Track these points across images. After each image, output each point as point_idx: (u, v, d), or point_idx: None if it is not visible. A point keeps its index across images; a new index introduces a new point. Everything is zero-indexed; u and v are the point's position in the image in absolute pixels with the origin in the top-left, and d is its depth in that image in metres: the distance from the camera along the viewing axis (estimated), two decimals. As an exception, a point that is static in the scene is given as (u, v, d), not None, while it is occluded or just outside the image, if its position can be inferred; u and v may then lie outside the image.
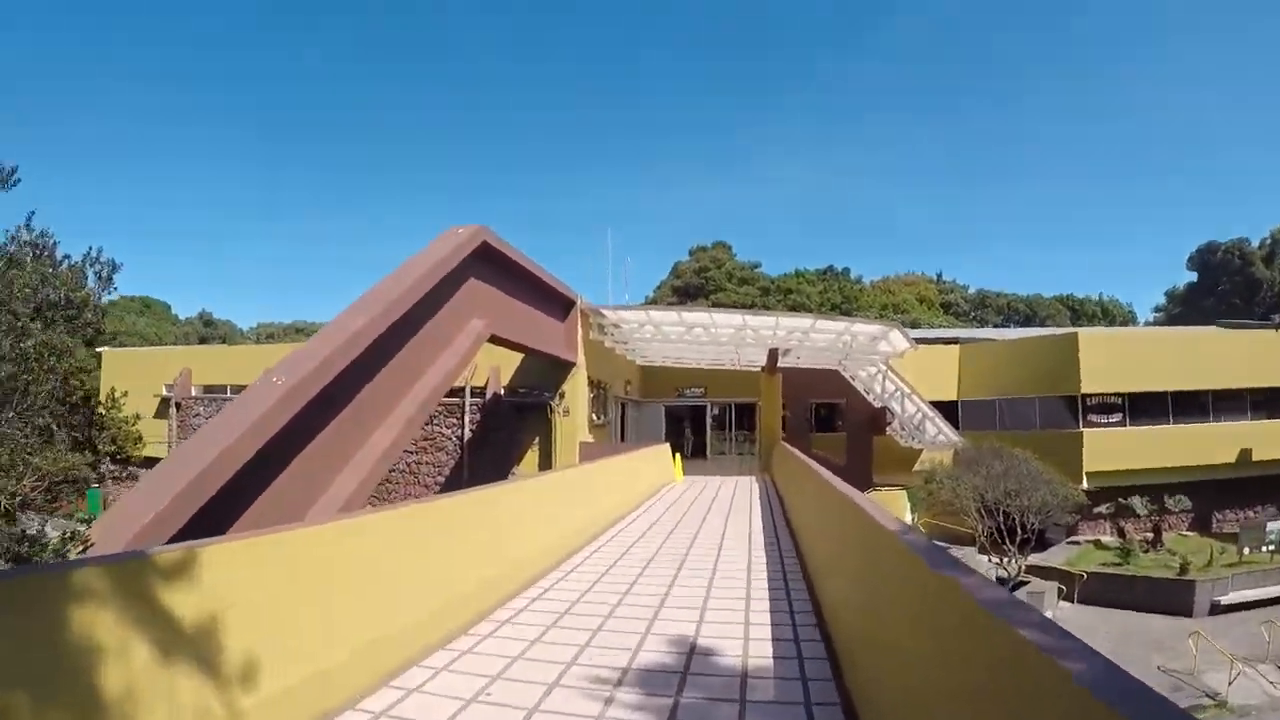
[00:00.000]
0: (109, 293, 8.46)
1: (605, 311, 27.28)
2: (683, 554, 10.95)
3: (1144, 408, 36.72)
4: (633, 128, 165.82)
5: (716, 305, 54.86)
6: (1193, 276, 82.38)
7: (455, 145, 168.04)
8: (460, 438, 30.31)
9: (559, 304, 25.86)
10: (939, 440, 34.77)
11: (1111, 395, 36.49)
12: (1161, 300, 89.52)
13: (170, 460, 10.89)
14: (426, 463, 31.01)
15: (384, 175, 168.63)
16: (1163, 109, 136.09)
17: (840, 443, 36.53)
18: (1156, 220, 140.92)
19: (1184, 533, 36.06)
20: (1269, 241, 74.38)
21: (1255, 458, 37.03)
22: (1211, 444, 36.48)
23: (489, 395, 29.86)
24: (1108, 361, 36.35)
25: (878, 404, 35.52)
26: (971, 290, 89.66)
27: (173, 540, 8.11)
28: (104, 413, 33.82)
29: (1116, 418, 36.55)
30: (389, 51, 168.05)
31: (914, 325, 59.26)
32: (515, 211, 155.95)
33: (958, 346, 41.58)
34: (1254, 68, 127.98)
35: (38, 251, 7.81)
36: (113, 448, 34.23)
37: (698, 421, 42.12)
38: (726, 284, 76.59)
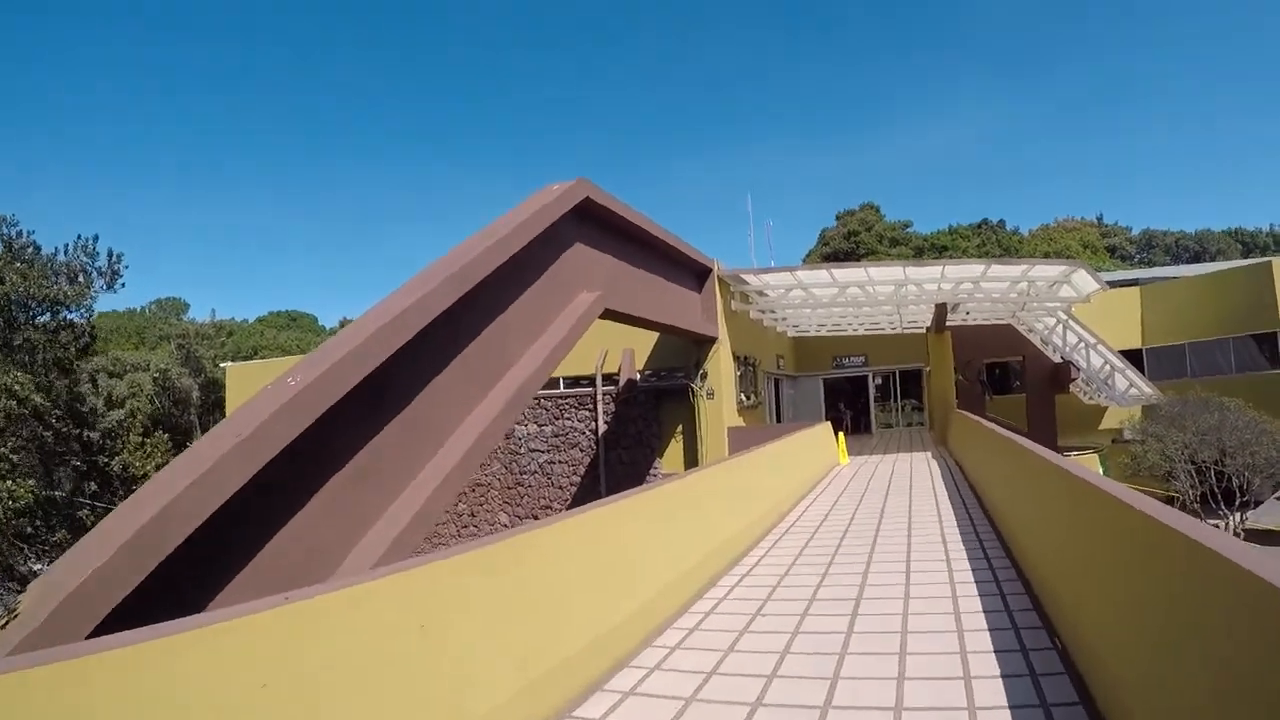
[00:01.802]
0: (115, 289, 5.81)
1: (746, 276, 24.16)
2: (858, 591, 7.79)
3: None
4: (761, 98, 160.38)
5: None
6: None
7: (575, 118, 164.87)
8: (594, 431, 27.64)
9: (691, 271, 22.92)
10: (1130, 395, 30.53)
11: (1317, 331, 31.71)
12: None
13: (139, 494, 7.70)
14: (560, 462, 28.47)
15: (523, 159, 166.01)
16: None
17: (1017, 405, 32.46)
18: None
19: None
20: None
21: None
22: None
23: (622, 382, 27.08)
24: (1310, 292, 31.65)
25: (1058, 358, 31.50)
26: (1135, 231, 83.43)
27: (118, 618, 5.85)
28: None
29: (1327, 355, 31.77)
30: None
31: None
32: (647, 193, 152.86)
33: (1138, 289, 36.99)
34: None
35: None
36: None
37: (859, 394, 38.68)
38: (878, 246, 72.46)
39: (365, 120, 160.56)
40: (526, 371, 13.38)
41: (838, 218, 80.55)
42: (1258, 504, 26.36)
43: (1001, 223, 78.39)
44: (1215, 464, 24.57)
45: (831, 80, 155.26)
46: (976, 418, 18.87)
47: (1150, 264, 71.47)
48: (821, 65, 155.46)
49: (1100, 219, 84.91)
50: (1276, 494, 27.21)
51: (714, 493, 9.71)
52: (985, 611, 6.25)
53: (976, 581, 7.33)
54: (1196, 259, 70.49)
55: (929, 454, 21.98)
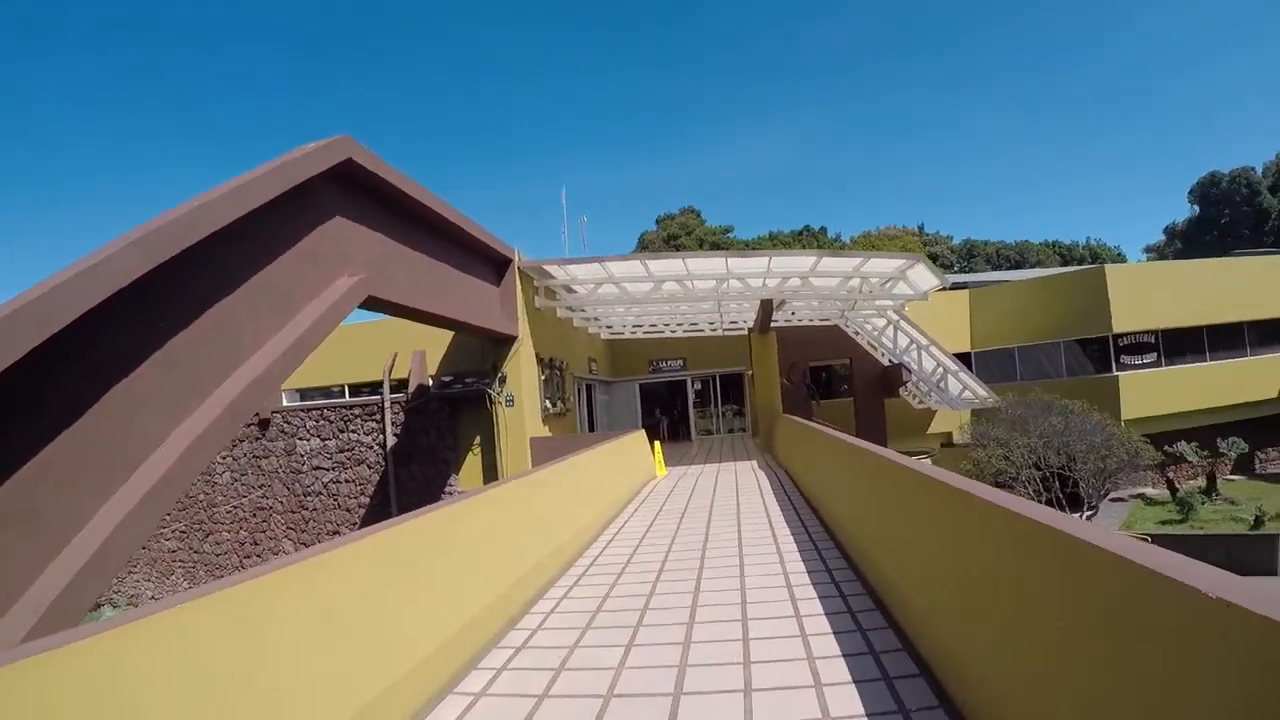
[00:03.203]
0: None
1: (551, 268, 21.42)
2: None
3: (1178, 346, 32.80)
4: (584, 105, 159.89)
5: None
6: (1181, 214, 78.80)
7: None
8: (383, 445, 24.33)
9: (488, 261, 20.03)
10: (963, 398, 29.33)
11: (1144, 334, 32.20)
12: (1154, 239, 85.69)
13: None
14: (347, 480, 25.03)
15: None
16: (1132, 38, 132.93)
17: (844, 410, 30.80)
18: (1129, 163, 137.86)
19: (1228, 477, 32.00)
20: (1274, 168, 70.70)
21: None
22: (1252, 380, 33.08)
23: (412, 388, 23.87)
24: (1138, 297, 32.19)
25: (886, 361, 30.01)
26: (957, 240, 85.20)
27: None
28: None
29: (1151, 358, 32.28)
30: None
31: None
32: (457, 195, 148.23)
33: (967, 291, 36.28)
34: None
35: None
36: None
37: (677, 399, 36.48)
38: (698, 250, 70.77)
39: None
40: (258, 370, 10.49)
41: (657, 221, 79.85)
42: (1092, 508, 25.48)
43: (824, 229, 78.97)
44: (1061, 469, 23.52)
45: (654, 90, 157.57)
46: (806, 421, 16.72)
47: (972, 272, 72.78)
48: (644, 74, 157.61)
49: (922, 228, 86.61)
50: (1109, 497, 26.40)
51: (480, 531, 6.82)
52: (857, 682, 4.49)
53: (835, 632, 5.50)
54: (1017, 268, 72.28)
55: (754, 462, 19.77)
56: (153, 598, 28.13)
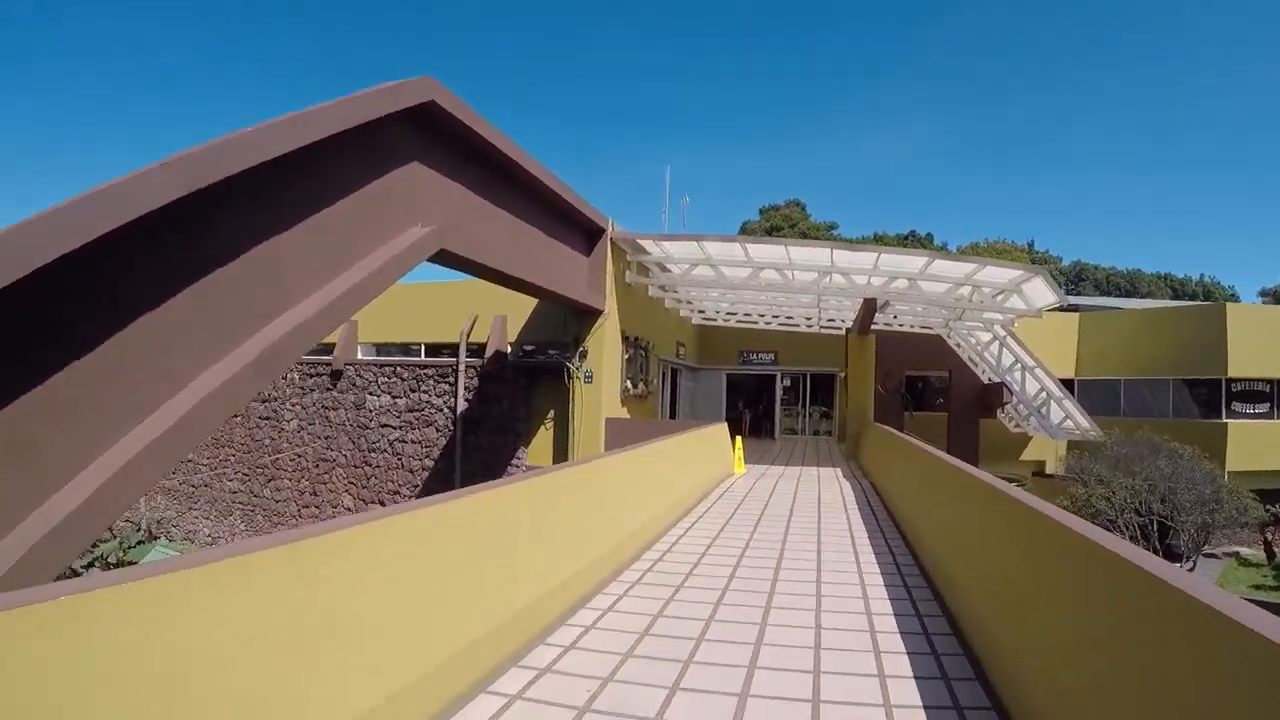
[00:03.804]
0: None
1: (645, 243, 20.33)
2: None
3: None
4: (695, 88, 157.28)
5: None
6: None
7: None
8: (453, 409, 23.56)
9: (579, 229, 19.05)
10: (1064, 427, 27.55)
11: (1259, 381, 29.98)
12: (1272, 282, 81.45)
13: None
14: (413, 441, 24.32)
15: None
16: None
17: (937, 425, 29.11)
18: (1254, 200, 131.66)
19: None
20: None
21: None
22: None
23: (489, 353, 23.04)
24: (1258, 340, 29.87)
25: (985, 378, 28.32)
26: (1066, 262, 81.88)
27: None
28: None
29: (1264, 408, 30.09)
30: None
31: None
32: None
33: (1078, 315, 34.30)
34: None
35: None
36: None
37: (764, 394, 34.93)
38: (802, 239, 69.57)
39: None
40: (305, 315, 9.64)
41: (761, 211, 77.91)
42: (1177, 558, 23.74)
43: (930, 236, 76.47)
44: (1163, 517, 21.86)
45: (767, 79, 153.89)
46: (903, 435, 15.44)
47: (1080, 296, 69.75)
48: (759, 63, 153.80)
49: (1031, 245, 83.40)
50: (1201, 551, 24.60)
51: (542, 516, 6.08)
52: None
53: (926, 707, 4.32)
54: (1126, 296, 69.17)
55: (838, 470, 18.48)
56: (209, 535, 28.04)
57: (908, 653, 5.20)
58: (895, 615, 6.18)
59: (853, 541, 9.38)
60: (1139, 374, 32.01)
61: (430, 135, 12.54)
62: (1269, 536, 27.84)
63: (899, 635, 5.61)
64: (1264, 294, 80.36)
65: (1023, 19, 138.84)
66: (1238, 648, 2.31)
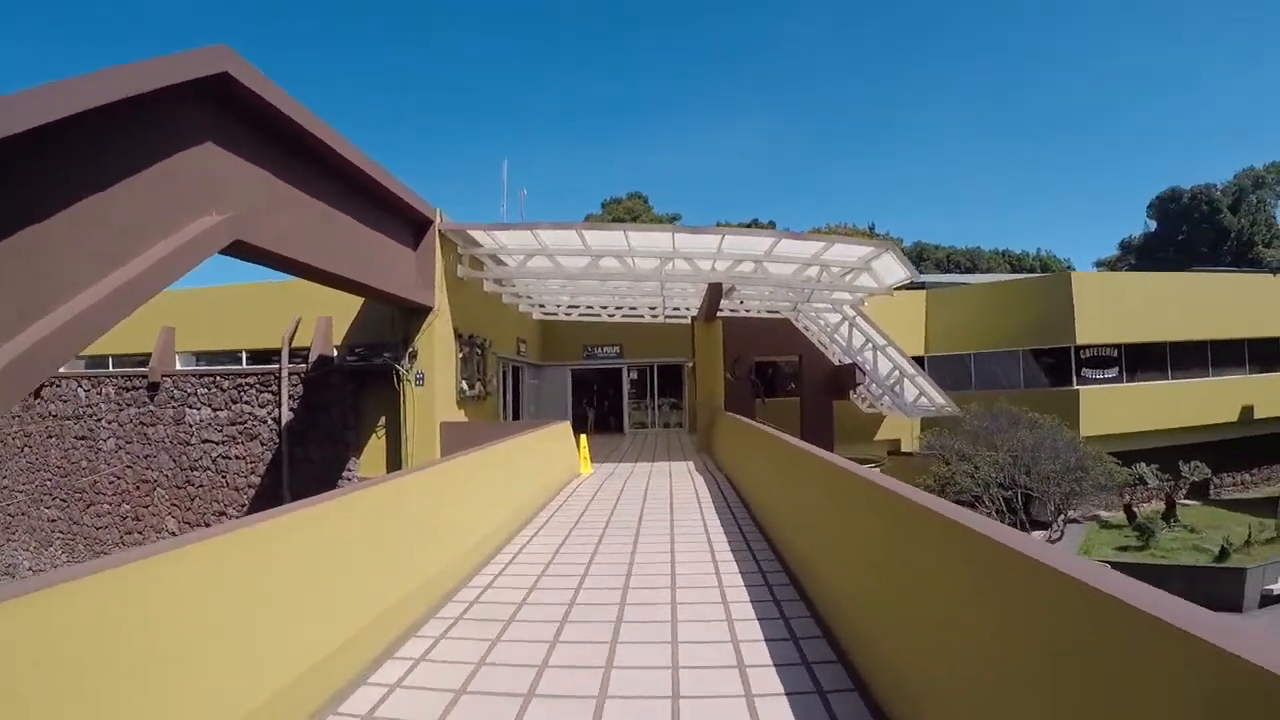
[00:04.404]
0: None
1: (477, 234, 19.03)
2: None
3: (1140, 362, 31.51)
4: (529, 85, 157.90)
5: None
6: (1137, 229, 78.14)
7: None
8: (278, 420, 21.80)
9: (404, 220, 17.70)
10: (919, 405, 27.41)
11: (1107, 347, 30.69)
12: (1106, 253, 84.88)
13: None
14: (236, 456, 22.45)
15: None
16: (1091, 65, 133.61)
17: (789, 410, 28.44)
18: (1084, 176, 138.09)
19: (1184, 502, 30.79)
20: (1234, 187, 70.01)
21: (1257, 415, 32.89)
22: (1213, 401, 31.99)
23: (313, 358, 21.37)
24: (1104, 308, 30.69)
25: (837, 360, 27.91)
26: (907, 243, 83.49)
27: None
28: None
29: (1112, 373, 30.85)
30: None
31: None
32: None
33: (924, 292, 34.41)
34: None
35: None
36: None
37: (611, 389, 34.00)
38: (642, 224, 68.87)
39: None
40: (72, 314, 8.45)
41: (603, 205, 76.83)
42: (1039, 525, 23.98)
43: (772, 223, 76.66)
44: (1028, 490, 21.83)
45: (604, 77, 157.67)
46: (755, 423, 14.61)
47: (923, 274, 71.27)
48: (595, 61, 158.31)
49: (873, 228, 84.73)
50: (1058, 516, 24.83)
51: (293, 565, 4.59)
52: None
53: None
54: (968, 273, 71.10)
55: (690, 464, 17.67)
56: (30, 568, 25.65)
57: (776, 665, 4.68)
58: (759, 619, 5.64)
59: (710, 546, 8.41)
60: (988, 347, 32.42)
61: (227, 113, 11.27)
62: (1127, 499, 28.47)
63: (765, 647, 5.03)
64: (1099, 264, 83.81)
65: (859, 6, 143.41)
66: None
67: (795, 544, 7.19)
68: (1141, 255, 73.73)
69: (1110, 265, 79.36)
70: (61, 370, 26.02)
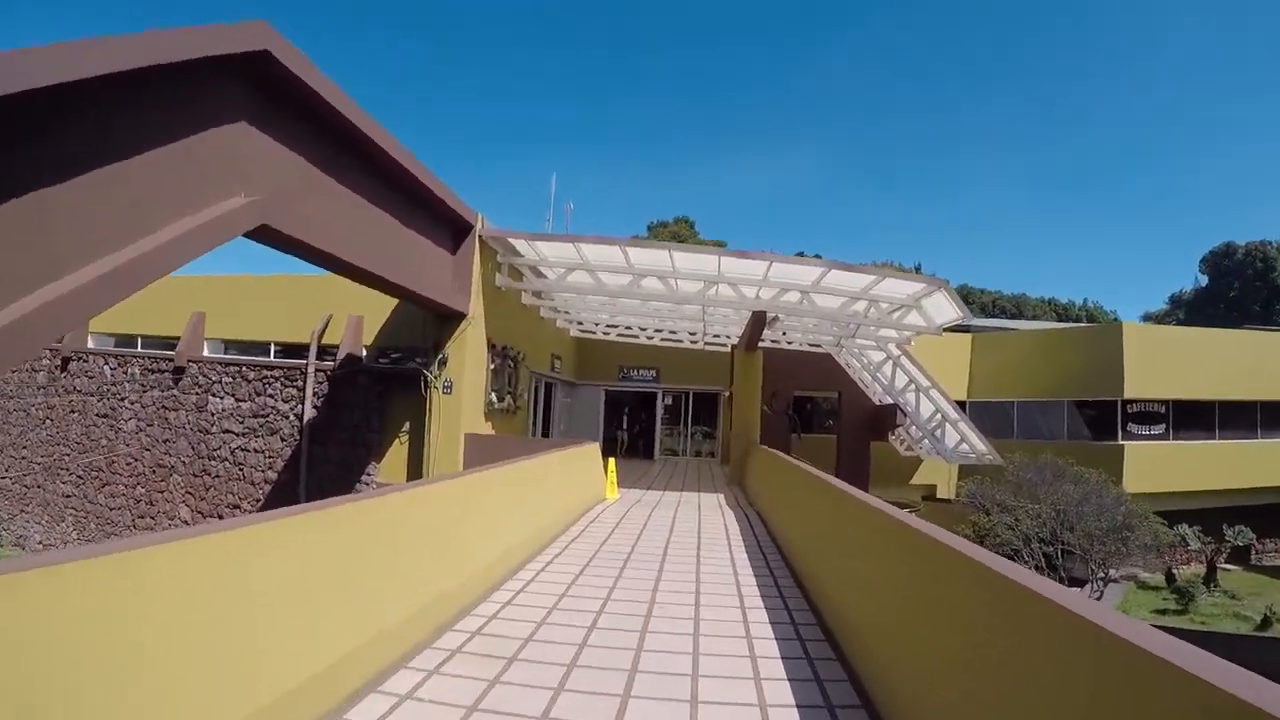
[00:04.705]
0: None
1: (518, 243, 18.42)
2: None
3: (1187, 419, 30.46)
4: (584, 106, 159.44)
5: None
6: (1186, 284, 76.67)
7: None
8: (300, 416, 21.28)
9: (443, 222, 17.10)
10: (960, 450, 26.54)
11: (1155, 403, 29.66)
12: (1154, 307, 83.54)
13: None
14: (255, 450, 21.94)
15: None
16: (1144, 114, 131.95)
17: (825, 447, 27.58)
18: (1135, 229, 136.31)
19: (1224, 566, 29.90)
20: None
21: None
22: (1260, 464, 30.88)
23: (341, 356, 20.83)
24: (1153, 361, 29.79)
25: (878, 400, 27.05)
26: (953, 285, 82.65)
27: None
28: None
29: (1159, 429, 29.81)
30: None
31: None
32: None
33: (970, 335, 33.49)
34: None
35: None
36: None
37: (644, 412, 33.19)
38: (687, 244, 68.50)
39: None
40: (78, 284, 7.94)
41: (649, 228, 77.23)
42: (1075, 583, 23.11)
43: (819, 256, 76.30)
44: (1070, 547, 20.98)
45: (660, 105, 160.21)
46: (788, 458, 13.88)
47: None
48: (651, 87, 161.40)
49: (919, 268, 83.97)
50: (1095, 574, 23.94)
51: (279, 581, 4.10)
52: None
53: None
54: (1013, 320, 70.21)
55: (721, 497, 16.95)
56: (41, 542, 25.34)
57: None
58: (790, 681, 5.00)
59: (738, 591, 7.69)
60: (1032, 395, 31.45)
61: (265, 93, 10.68)
62: (1166, 560, 27.56)
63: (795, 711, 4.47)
64: (1147, 318, 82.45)
65: (910, 47, 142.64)
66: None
67: (834, 599, 6.49)
68: (1191, 311, 72.44)
69: (1158, 319, 78.12)
70: (89, 345, 25.84)
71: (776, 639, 5.93)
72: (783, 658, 5.47)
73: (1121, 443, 28.98)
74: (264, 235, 11.13)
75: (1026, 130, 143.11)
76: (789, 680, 4.96)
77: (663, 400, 32.47)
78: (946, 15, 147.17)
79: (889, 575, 5.20)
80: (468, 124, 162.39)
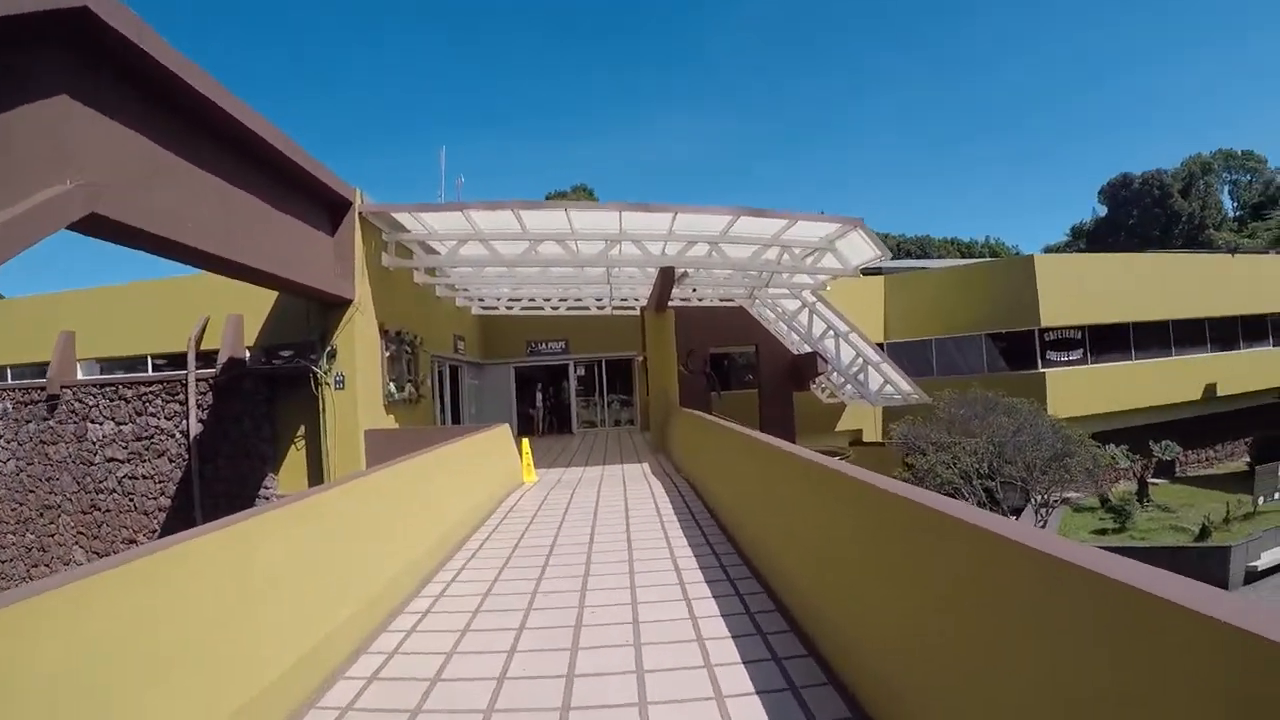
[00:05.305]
0: None
1: (402, 216, 17.09)
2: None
3: (1104, 343, 30.87)
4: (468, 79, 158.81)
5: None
6: (1085, 215, 78.17)
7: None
8: (186, 433, 19.67)
9: (319, 201, 15.73)
10: (885, 393, 25.99)
11: (1071, 329, 29.99)
12: (1054, 239, 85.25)
13: None
14: (143, 476, 20.25)
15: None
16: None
17: (745, 403, 26.75)
18: (1030, 163, 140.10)
19: (1152, 480, 30.04)
20: (1184, 172, 70.88)
21: (1220, 393, 32.80)
22: (1177, 381, 31.76)
23: (222, 360, 19.26)
24: (1066, 289, 29.99)
25: (796, 350, 26.32)
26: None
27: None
28: None
29: (1076, 355, 30.17)
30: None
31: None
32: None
33: (882, 278, 33.11)
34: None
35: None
36: None
37: (557, 386, 32.08)
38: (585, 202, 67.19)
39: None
40: None
41: (547, 198, 75.28)
42: (1041, 518, 22.94)
43: (724, 207, 76.11)
44: (1011, 479, 20.62)
45: (547, 72, 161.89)
46: (718, 420, 12.95)
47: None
48: (537, 55, 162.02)
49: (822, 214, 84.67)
50: (1026, 500, 23.74)
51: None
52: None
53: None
54: (920, 259, 70.76)
55: (646, 466, 16.02)
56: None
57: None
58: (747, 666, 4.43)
59: (679, 576, 6.73)
60: (949, 332, 31.33)
61: (92, 62, 9.36)
62: (1099, 480, 27.53)
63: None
64: (1049, 250, 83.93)
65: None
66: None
67: (788, 573, 5.62)
68: (1092, 241, 73.87)
69: (1060, 251, 79.53)
70: (-44, 384, 23.86)
71: (732, 636, 5.01)
72: (744, 662, 4.54)
73: (1042, 371, 29.07)
74: (96, 226, 9.68)
75: (921, 73, 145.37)
76: (758, 694, 4.03)
77: (575, 372, 31.28)
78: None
79: (835, 530, 4.68)
80: (349, 110, 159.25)
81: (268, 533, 4.75)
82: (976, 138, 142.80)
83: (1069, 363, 29.77)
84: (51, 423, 21.60)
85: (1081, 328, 30.11)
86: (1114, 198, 73.14)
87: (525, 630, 5.47)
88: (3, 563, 22.32)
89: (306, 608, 4.77)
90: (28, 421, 22.07)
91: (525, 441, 15.72)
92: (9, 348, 23.53)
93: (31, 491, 21.83)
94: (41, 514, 21.67)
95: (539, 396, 30.82)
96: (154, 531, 19.85)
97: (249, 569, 4.28)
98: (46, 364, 21.98)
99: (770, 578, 6.20)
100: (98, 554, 20.59)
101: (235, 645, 3.86)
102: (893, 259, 62.56)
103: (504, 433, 14.96)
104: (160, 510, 19.89)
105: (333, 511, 5.74)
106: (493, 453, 13.49)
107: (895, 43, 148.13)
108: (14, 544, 22.16)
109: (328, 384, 16.43)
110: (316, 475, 17.11)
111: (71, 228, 9.21)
